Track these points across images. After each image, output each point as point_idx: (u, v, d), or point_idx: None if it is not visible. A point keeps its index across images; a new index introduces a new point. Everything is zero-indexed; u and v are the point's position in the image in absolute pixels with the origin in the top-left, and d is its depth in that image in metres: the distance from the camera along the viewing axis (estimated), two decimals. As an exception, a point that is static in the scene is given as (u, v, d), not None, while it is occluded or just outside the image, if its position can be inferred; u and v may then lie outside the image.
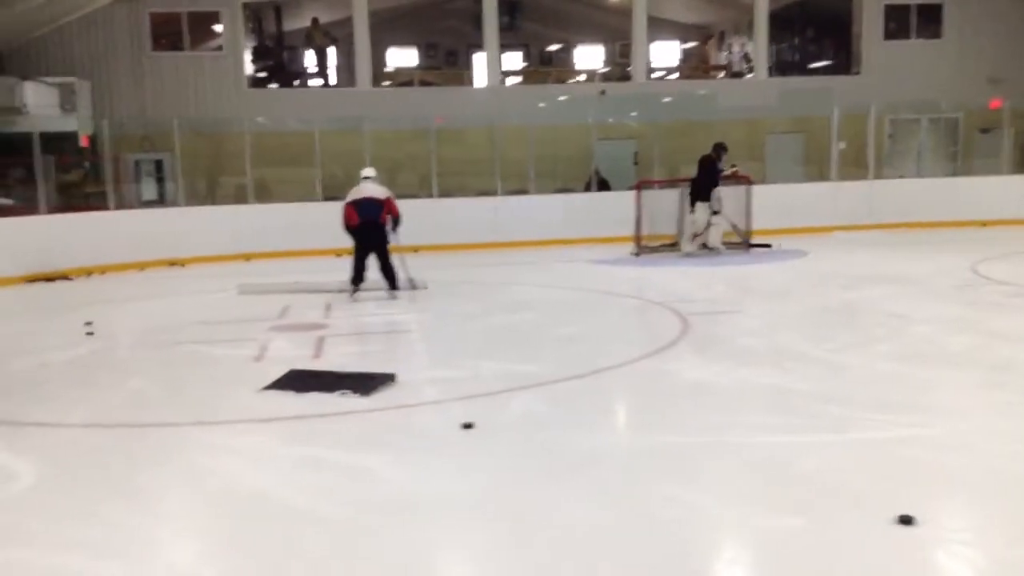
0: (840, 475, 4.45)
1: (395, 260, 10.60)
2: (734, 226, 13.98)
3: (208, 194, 17.11)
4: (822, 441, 4.99)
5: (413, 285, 10.77)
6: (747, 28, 21.76)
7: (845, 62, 21.24)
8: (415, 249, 15.37)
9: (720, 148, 13.90)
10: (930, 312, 8.79)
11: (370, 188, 10.61)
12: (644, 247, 14.28)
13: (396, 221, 10.54)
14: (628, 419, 5.94)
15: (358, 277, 10.53)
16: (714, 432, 5.21)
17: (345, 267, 11.02)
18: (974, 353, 7.09)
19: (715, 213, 13.63)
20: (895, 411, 5.46)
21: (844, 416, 5.39)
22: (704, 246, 13.84)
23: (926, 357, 6.95)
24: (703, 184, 13.66)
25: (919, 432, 5.08)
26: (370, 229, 10.38)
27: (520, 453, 4.98)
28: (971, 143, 19.63)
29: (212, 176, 17.75)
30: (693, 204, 13.75)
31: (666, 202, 14.30)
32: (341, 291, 10.95)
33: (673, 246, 14.38)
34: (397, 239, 10.61)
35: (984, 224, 16.37)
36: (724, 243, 13.97)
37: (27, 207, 14.44)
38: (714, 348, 7.54)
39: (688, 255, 13.75)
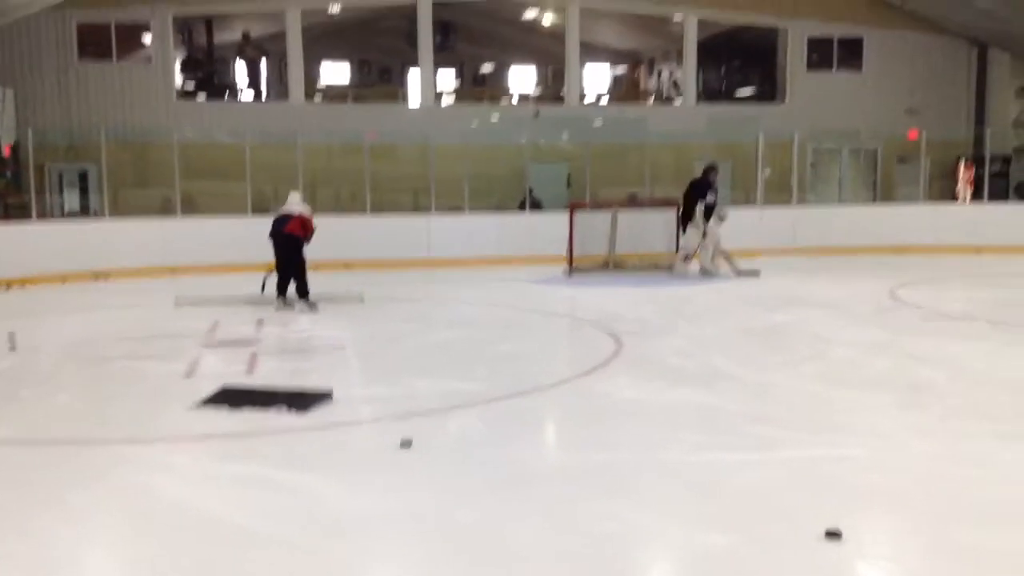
0: (769, 492, 4.60)
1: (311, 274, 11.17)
2: (722, 252, 14.01)
3: (134, 206, 16.73)
4: (751, 459, 5.14)
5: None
6: (676, 55, 22.28)
7: (770, 91, 21.89)
8: (347, 265, 15.41)
9: (711, 170, 14.12)
10: (851, 335, 9.10)
11: (291, 206, 11.33)
12: (576, 267, 14.46)
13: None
14: (564, 437, 6.02)
15: (280, 288, 11.06)
16: (648, 450, 5.33)
17: (273, 281, 11.10)
18: (893, 374, 7.37)
19: (721, 220, 13.78)
20: (820, 430, 5.66)
21: (772, 435, 5.57)
22: (703, 269, 13.93)
23: (848, 378, 7.20)
24: (689, 206, 13.87)
25: (843, 451, 5.27)
26: (279, 240, 11.01)
27: (458, 471, 5.02)
28: (890, 172, 20.39)
29: (138, 188, 17.40)
30: (684, 227, 13.91)
31: (599, 223, 14.50)
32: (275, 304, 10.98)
33: (604, 267, 14.59)
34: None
35: (902, 250, 17.00)
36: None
37: (-55, 216, 13.97)
38: (646, 368, 7.69)
39: (680, 276, 13.86)
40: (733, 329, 9.73)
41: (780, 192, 18.23)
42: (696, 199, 13.89)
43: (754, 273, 13.70)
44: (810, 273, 14.56)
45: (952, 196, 20.24)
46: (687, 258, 14.04)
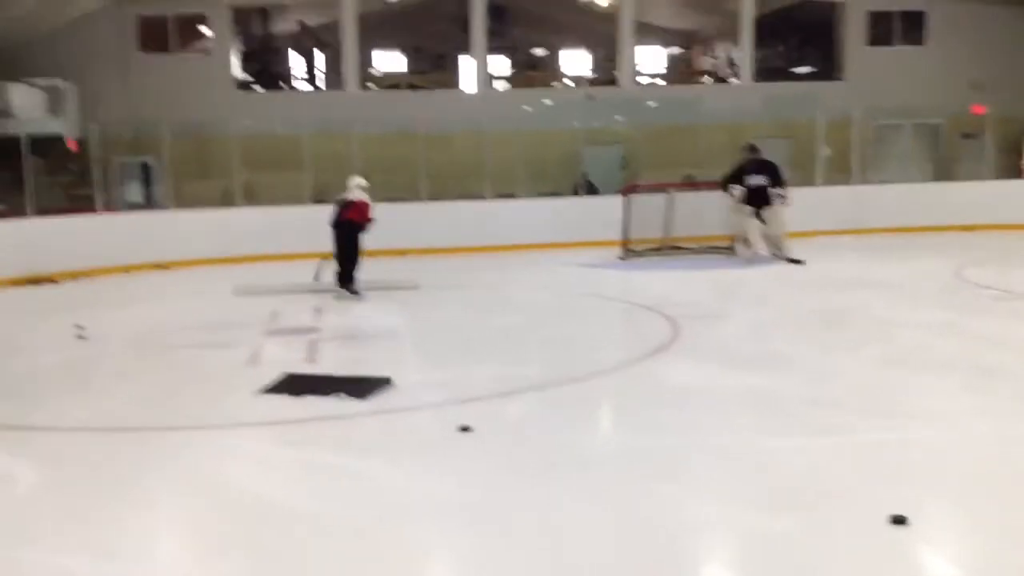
0: (831, 477, 4.54)
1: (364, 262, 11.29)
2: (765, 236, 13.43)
3: (195, 197, 17.06)
4: (813, 444, 5.07)
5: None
6: (732, 34, 21.93)
7: (829, 68, 21.43)
8: (402, 252, 15.53)
9: (746, 150, 13.55)
10: (916, 316, 8.91)
11: (350, 192, 11.43)
12: (631, 251, 14.37)
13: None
14: (622, 422, 6.00)
15: (342, 278, 11.27)
16: (707, 435, 5.29)
17: (332, 268, 11.26)
18: (960, 357, 7.20)
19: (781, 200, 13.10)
20: (883, 414, 5.56)
21: (833, 419, 5.48)
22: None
23: (913, 361, 7.05)
24: (725, 188, 13.42)
25: (908, 435, 5.18)
26: (339, 226, 11.27)
27: (516, 456, 5.05)
28: (954, 148, 19.85)
29: (199, 179, 17.72)
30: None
31: (654, 206, 14.38)
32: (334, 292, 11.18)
33: (659, 250, 14.47)
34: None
35: (968, 229, 16.57)
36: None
37: (14, 210, 14.39)
38: (704, 352, 7.62)
39: (745, 259, 13.40)
40: (793, 312, 9.60)
41: (841, 171, 17.87)
42: (730, 183, 13.36)
43: (799, 262, 13.03)
44: (872, 253, 14.28)
45: (1018, 172, 19.65)
46: (745, 241, 13.71)
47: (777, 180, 13.23)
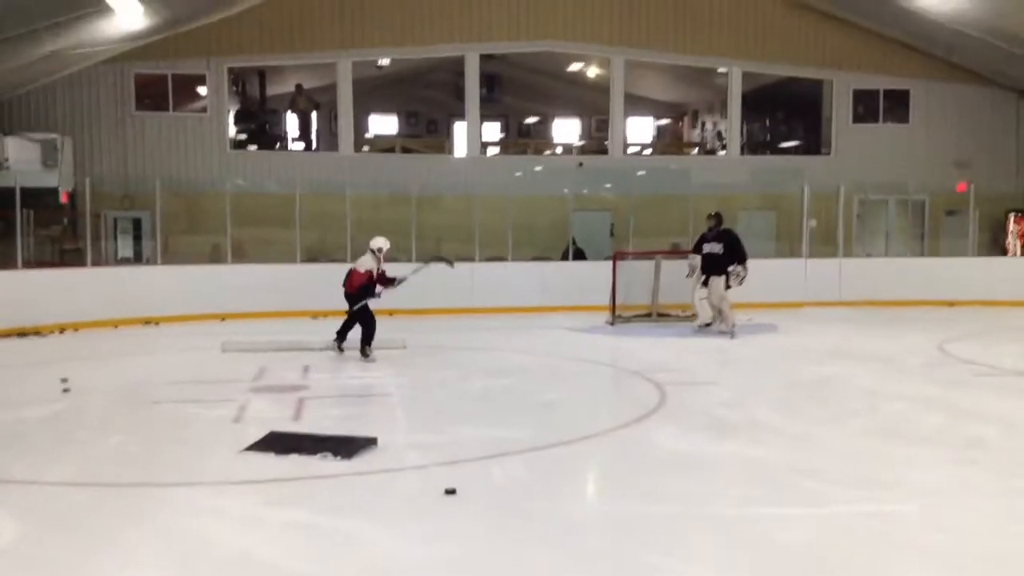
0: (818, 548, 4.54)
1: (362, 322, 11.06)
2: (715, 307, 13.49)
3: (185, 253, 17.09)
4: (800, 514, 5.08)
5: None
6: (720, 107, 22.36)
7: (815, 143, 21.84)
8: (391, 312, 15.53)
9: (708, 219, 13.72)
10: (900, 389, 8.97)
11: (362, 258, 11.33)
12: (619, 316, 14.45)
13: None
14: (609, 488, 5.99)
15: (339, 332, 11.28)
16: (694, 503, 5.29)
17: (322, 329, 11.25)
18: (944, 430, 7.25)
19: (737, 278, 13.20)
20: (870, 486, 5.58)
21: (820, 490, 5.50)
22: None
23: (898, 433, 7.10)
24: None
25: (894, 508, 5.19)
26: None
27: (502, 520, 5.03)
28: (938, 224, 20.15)
29: (190, 235, 17.78)
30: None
31: (642, 273, 14.50)
32: (324, 350, 11.21)
33: (646, 316, 14.56)
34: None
35: (951, 304, 16.74)
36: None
37: (4, 261, 14.37)
38: (691, 419, 7.64)
39: (697, 329, 13.51)
40: (779, 381, 9.65)
41: (826, 244, 18.10)
42: (693, 251, 13.60)
43: (729, 334, 12.99)
44: (857, 326, 14.39)
45: (1002, 250, 19.95)
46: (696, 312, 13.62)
47: (734, 251, 13.28)
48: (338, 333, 11.16)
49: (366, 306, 10.96)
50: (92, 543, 4.66)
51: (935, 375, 10.01)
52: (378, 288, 11.00)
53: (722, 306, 13.20)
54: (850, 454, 6.42)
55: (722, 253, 13.20)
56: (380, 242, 11.16)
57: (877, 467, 6.05)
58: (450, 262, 12.74)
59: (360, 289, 10.93)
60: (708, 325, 13.42)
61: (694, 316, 13.70)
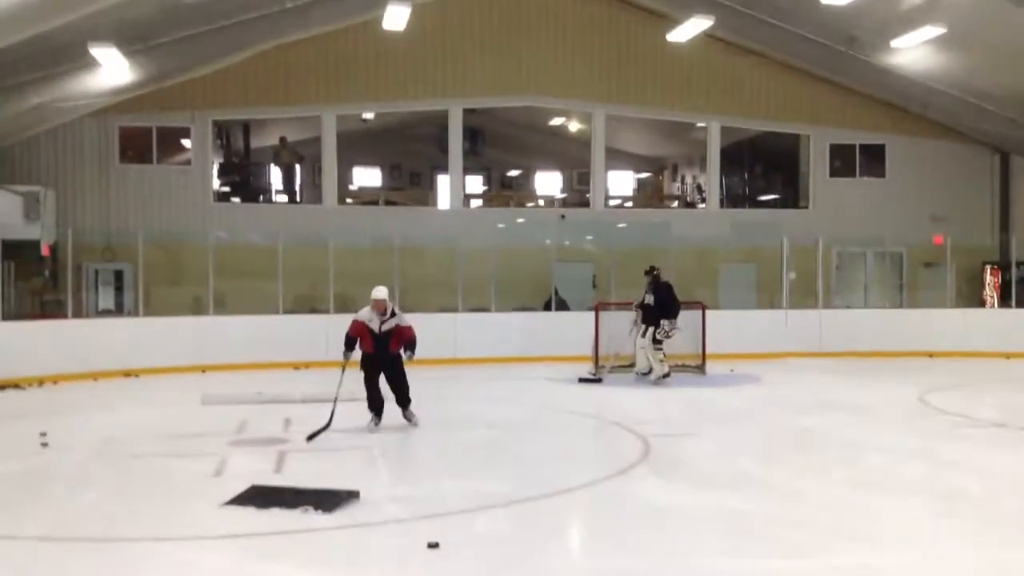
0: (802, 600, 4.54)
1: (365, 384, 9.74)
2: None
3: (166, 305, 17.02)
4: (784, 567, 5.07)
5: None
6: (699, 161, 22.67)
7: (793, 196, 22.14)
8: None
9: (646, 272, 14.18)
10: (882, 440, 9.00)
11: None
12: (601, 367, 14.47)
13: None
14: (593, 541, 5.96)
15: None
16: (679, 555, 5.28)
17: (303, 379, 11.15)
18: (926, 481, 7.27)
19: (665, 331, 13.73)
20: (853, 537, 5.59)
21: (805, 542, 5.50)
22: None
23: (880, 484, 7.11)
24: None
25: (878, 559, 5.20)
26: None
27: (487, 574, 4.99)
28: (916, 276, 20.39)
29: (172, 287, 17.72)
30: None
31: (623, 323, 14.55)
32: (303, 401, 11.14)
33: (631, 367, 14.58)
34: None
35: (930, 355, 16.87)
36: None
37: (-17, 314, 14.28)
38: (674, 470, 7.63)
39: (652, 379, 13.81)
40: (761, 432, 9.66)
41: (805, 296, 18.26)
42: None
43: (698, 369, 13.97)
44: (838, 376, 14.47)
45: (980, 301, 20.17)
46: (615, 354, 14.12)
47: (665, 303, 13.72)
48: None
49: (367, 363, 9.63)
50: (69, 600, 4.59)
51: (917, 426, 10.06)
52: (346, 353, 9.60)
53: (649, 355, 13.73)
54: (835, 505, 6.43)
55: (654, 305, 13.74)
56: (375, 293, 9.66)
57: (860, 518, 6.05)
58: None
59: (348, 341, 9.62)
60: (645, 374, 13.87)
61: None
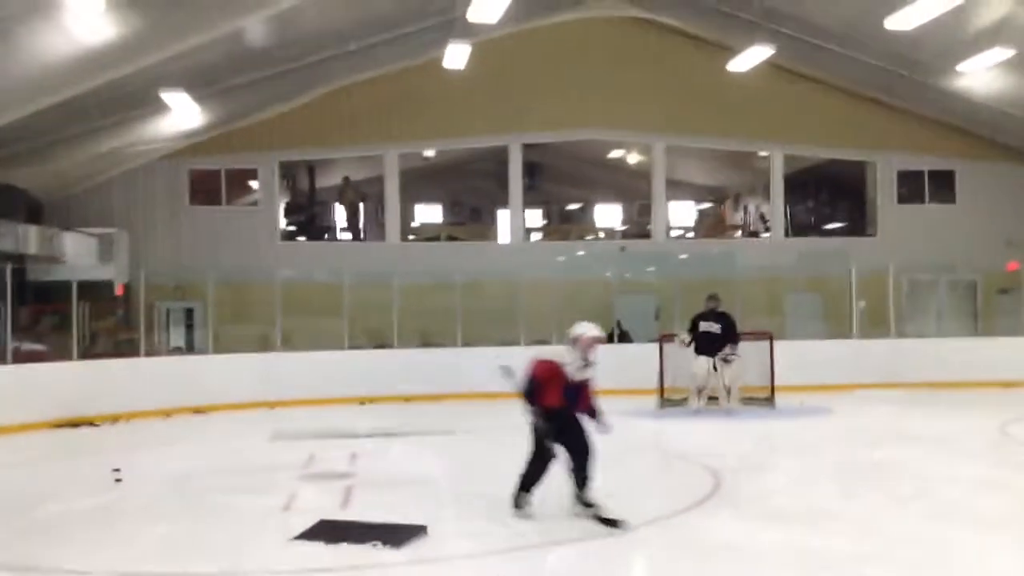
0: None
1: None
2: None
3: (235, 342, 17.33)
4: (864, 603, 4.90)
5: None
6: (762, 190, 22.43)
7: (860, 224, 21.76)
8: (439, 398, 15.58)
9: (708, 300, 14.09)
10: (960, 472, 8.70)
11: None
12: (668, 400, 14.28)
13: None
14: (663, 577, 5.84)
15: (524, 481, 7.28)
16: (753, 592, 5.13)
17: (368, 414, 11.18)
18: (1009, 514, 6.99)
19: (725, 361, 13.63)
20: (932, 573, 5.38)
21: (884, 577, 5.31)
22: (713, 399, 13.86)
23: (959, 518, 6.86)
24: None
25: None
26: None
27: (556, 610, 4.92)
28: (991, 304, 19.81)
29: (240, 324, 18.05)
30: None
31: (689, 356, 14.35)
32: (369, 436, 11.22)
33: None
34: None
35: (1007, 385, 16.31)
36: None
37: (59, 353, 14.68)
38: (746, 505, 7.46)
39: (696, 410, 13.74)
40: (835, 465, 9.41)
41: (876, 325, 17.84)
42: (690, 330, 13.89)
43: (767, 402, 13.74)
44: (912, 407, 14.06)
45: (1057, 329, 19.49)
46: (699, 392, 13.79)
47: (730, 332, 13.63)
48: (524, 481, 7.22)
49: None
50: (144, 634, 4.64)
51: (996, 458, 9.70)
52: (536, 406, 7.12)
53: (734, 385, 13.61)
54: (912, 540, 6.21)
55: (720, 332, 13.56)
56: (583, 328, 7.38)
57: (941, 554, 5.84)
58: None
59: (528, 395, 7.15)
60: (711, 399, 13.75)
61: (694, 396, 13.86)
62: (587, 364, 7.26)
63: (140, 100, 15.72)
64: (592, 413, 7.36)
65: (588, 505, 6.86)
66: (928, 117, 20.08)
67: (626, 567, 5.85)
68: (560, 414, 7.11)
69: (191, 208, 19.38)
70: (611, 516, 6.63)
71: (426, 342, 18.13)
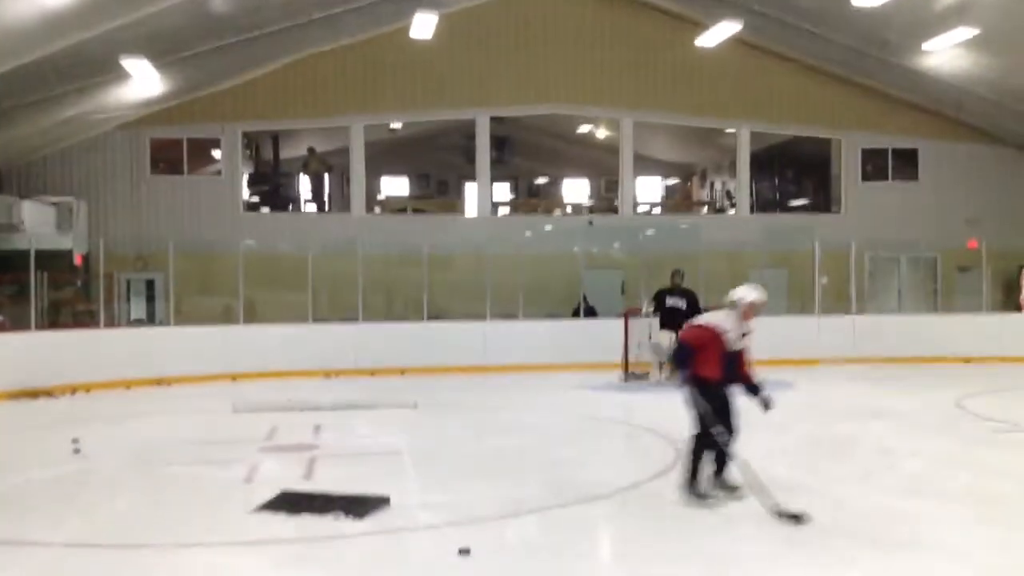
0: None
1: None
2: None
3: (197, 314, 17.12)
4: (825, 575, 4.95)
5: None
6: (729, 167, 22.51)
7: (825, 201, 21.93)
8: (402, 371, 15.53)
9: (672, 275, 14.35)
10: (920, 446, 8.84)
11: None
12: (632, 374, 14.36)
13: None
14: (625, 548, 5.86)
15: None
16: (715, 564, 5.17)
17: (333, 386, 11.10)
18: (969, 488, 7.10)
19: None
20: (896, 545, 5.46)
21: (845, 549, 5.37)
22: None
23: (921, 491, 6.96)
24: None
25: (918, 567, 5.07)
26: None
27: (518, 580, 4.92)
28: (951, 281, 20.09)
29: (202, 296, 17.83)
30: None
31: (653, 330, 14.42)
32: (333, 409, 11.13)
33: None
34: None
35: (966, 360, 16.58)
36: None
37: (17, 323, 14.43)
38: (707, 477, 7.49)
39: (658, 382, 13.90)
40: (797, 439, 9.50)
41: (838, 301, 18.03)
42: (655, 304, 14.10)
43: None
44: (873, 383, 14.24)
45: (1016, 306, 19.82)
46: (659, 365, 13.97)
47: (694, 307, 13.71)
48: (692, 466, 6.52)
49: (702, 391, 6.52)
50: (100, 605, 4.58)
51: (955, 432, 9.86)
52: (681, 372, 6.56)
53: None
54: (874, 513, 6.28)
55: (685, 308, 13.63)
56: (744, 291, 6.78)
57: (903, 526, 5.91)
58: None
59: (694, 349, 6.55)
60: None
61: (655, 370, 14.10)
62: (746, 332, 6.63)
63: (100, 67, 15.36)
64: (751, 387, 6.66)
65: (732, 488, 6.40)
66: (893, 96, 20.21)
67: (586, 537, 5.87)
68: (716, 387, 6.47)
69: (152, 177, 19.03)
70: (789, 509, 5.91)
71: (391, 315, 18.07)
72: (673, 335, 13.77)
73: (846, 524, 5.96)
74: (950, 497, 6.74)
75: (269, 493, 6.68)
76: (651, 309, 14.11)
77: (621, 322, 14.73)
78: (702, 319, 6.89)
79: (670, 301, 13.95)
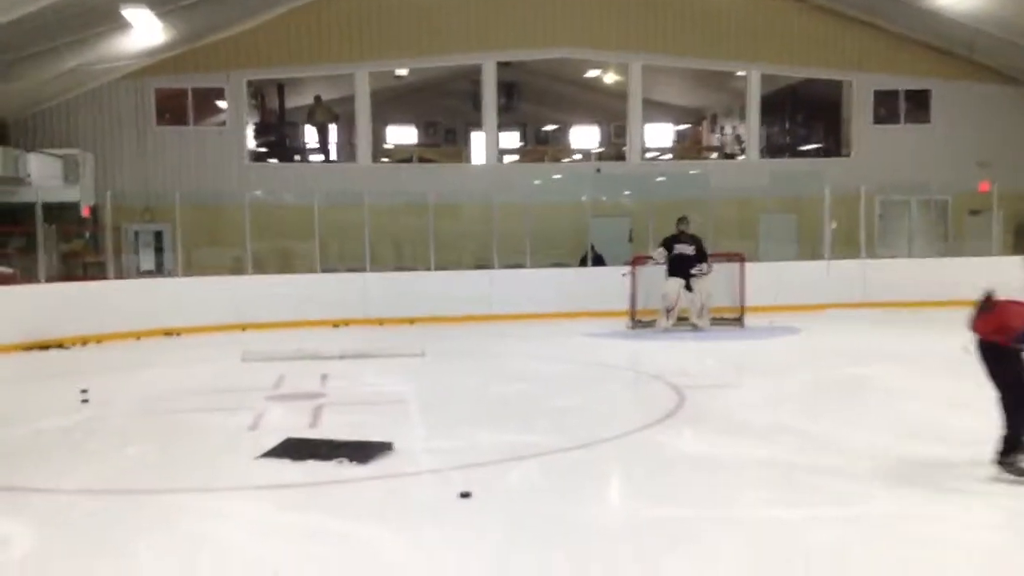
0: (847, 550, 4.44)
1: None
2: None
3: (205, 265, 17.18)
4: (827, 516, 4.97)
5: None
6: (739, 112, 22.25)
7: (835, 145, 21.69)
8: (411, 320, 15.58)
9: (678, 221, 14.32)
10: (927, 389, 8.83)
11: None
12: (639, 321, 14.36)
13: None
14: (627, 491, 5.91)
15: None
16: (718, 506, 5.19)
17: (341, 337, 11.14)
18: (973, 431, 7.08)
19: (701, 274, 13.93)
20: (898, 487, 5.47)
21: (847, 491, 5.39)
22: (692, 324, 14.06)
23: (925, 434, 6.96)
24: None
25: (925, 508, 5.09)
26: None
27: (518, 524, 4.96)
28: (961, 224, 19.92)
29: (210, 247, 17.88)
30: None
31: (660, 277, 14.40)
32: (341, 358, 11.20)
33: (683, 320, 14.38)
34: None
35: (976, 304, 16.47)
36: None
37: (27, 276, 14.50)
38: (712, 422, 7.53)
39: (662, 329, 14.02)
40: (801, 383, 9.51)
41: (848, 245, 17.92)
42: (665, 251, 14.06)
43: (736, 322, 14.18)
44: (881, 326, 14.22)
45: (1026, 249, 19.67)
46: (667, 311, 14.01)
47: (701, 253, 13.97)
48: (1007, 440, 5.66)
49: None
50: (109, 551, 4.65)
51: (962, 374, 9.79)
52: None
53: (708, 303, 13.93)
54: (877, 455, 6.28)
55: (694, 254, 13.85)
56: None
57: (905, 468, 5.92)
58: None
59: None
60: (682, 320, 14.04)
61: (663, 316, 14.12)
62: None
63: (102, 16, 15.25)
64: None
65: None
66: (906, 36, 19.88)
67: (588, 480, 5.90)
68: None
69: (158, 128, 18.99)
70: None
71: (399, 265, 18.08)
72: (682, 281, 13.80)
73: (847, 466, 5.96)
74: (955, 440, 6.72)
75: (274, 440, 6.74)
76: (660, 256, 14.08)
77: (629, 270, 14.68)
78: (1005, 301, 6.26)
79: (678, 248, 13.93)
